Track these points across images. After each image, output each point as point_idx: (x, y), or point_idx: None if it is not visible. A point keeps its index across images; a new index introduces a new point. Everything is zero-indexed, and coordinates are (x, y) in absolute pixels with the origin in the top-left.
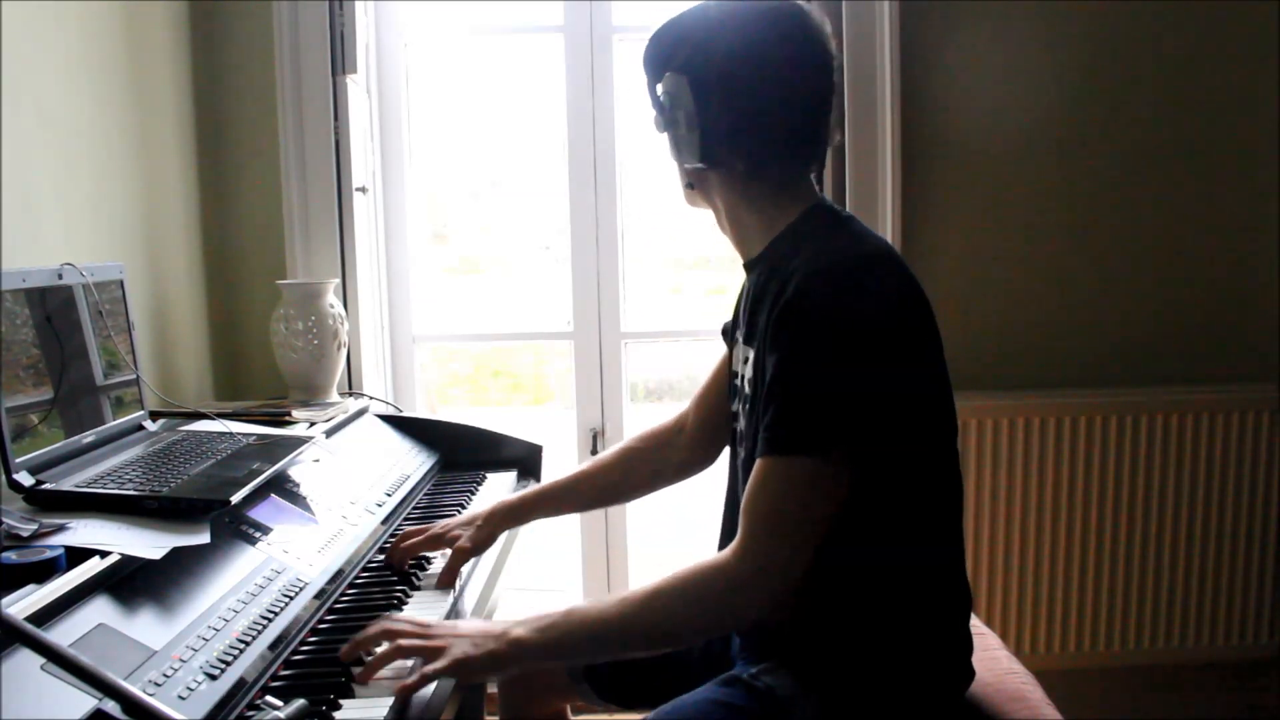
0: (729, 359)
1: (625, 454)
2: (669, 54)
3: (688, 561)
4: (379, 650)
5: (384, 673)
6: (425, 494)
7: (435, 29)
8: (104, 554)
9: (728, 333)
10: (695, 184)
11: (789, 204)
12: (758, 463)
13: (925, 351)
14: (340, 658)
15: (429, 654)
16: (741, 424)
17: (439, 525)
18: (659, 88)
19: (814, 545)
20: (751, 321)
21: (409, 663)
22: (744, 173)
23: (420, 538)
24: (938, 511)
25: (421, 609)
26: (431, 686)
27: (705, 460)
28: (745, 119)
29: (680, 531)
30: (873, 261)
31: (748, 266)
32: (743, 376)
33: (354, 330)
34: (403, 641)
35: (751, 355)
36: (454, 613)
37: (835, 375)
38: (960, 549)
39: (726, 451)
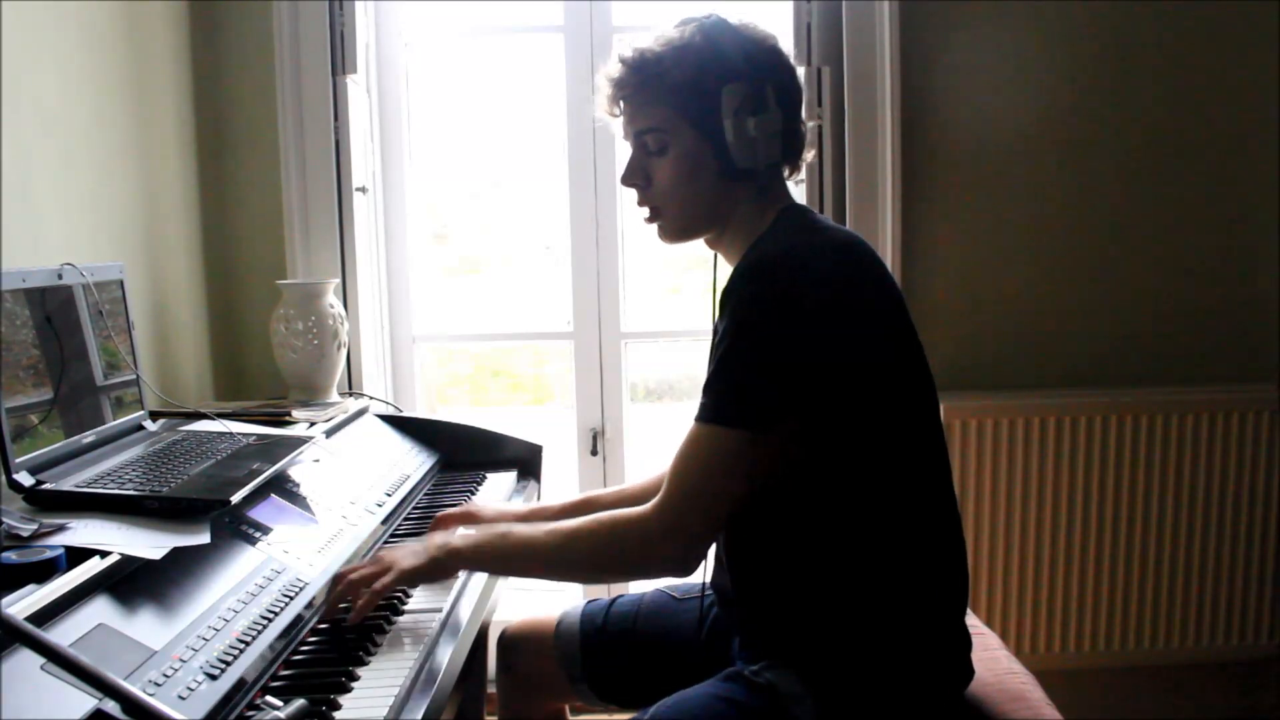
0: None
1: (583, 504)
2: (726, 65)
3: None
4: (336, 590)
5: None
6: (425, 494)
7: (435, 29)
8: (104, 554)
9: None
10: (716, 197)
11: (769, 207)
12: (690, 427)
13: (871, 330)
14: (323, 617)
15: (378, 576)
16: None
17: (476, 502)
18: (725, 93)
19: (726, 513)
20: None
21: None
22: (756, 178)
23: (456, 512)
24: (926, 503)
25: (423, 608)
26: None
27: None
28: (786, 122)
29: None
30: (819, 246)
31: None
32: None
33: (354, 330)
34: (353, 576)
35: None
36: (453, 613)
37: (764, 353)
38: (957, 540)
39: None
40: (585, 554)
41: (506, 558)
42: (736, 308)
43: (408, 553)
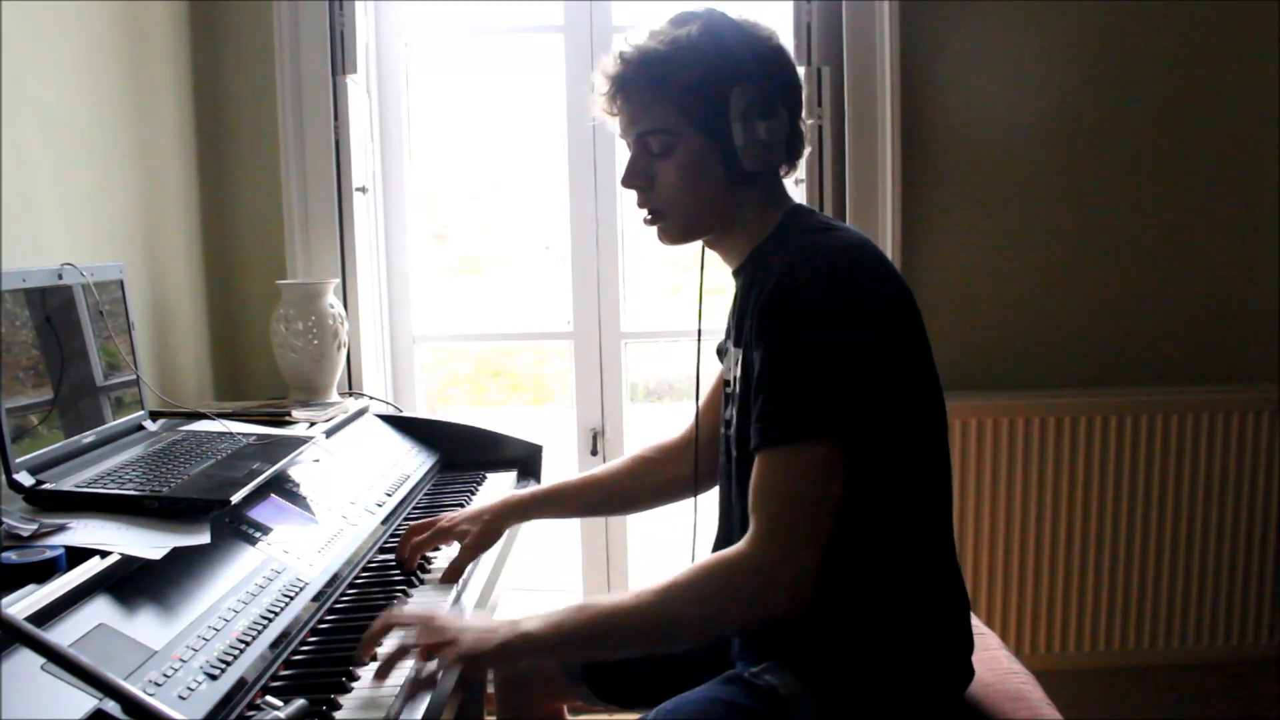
0: (723, 370)
1: (637, 462)
2: (734, 65)
3: (689, 559)
4: (387, 644)
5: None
6: (425, 494)
7: (435, 29)
8: (104, 554)
9: (722, 351)
10: (722, 201)
11: (772, 208)
12: (758, 457)
13: (906, 333)
14: (353, 661)
15: (436, 648)
16: (734, 428)
17: (445, 519)
18: (734, 95)
19: (827, 529)
20: (739, 324)
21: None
22: (763, 180)
23: (425, 534)
24: (932, 507)
25: (423, 607)
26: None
27: (713, 474)
28: (790, 123)
29: (681, 533)
30: (848, 251)
31: (735, 274)
32: (734, 378)
33: (354, 330)
34: (408, 640)
35: (740, 356)
36: (456, 609)
37: (821, 360)
38: (951, 545)
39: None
40: (685, 612)
41: (587, 637)
42: (781, 321)
43: (472, 632)
